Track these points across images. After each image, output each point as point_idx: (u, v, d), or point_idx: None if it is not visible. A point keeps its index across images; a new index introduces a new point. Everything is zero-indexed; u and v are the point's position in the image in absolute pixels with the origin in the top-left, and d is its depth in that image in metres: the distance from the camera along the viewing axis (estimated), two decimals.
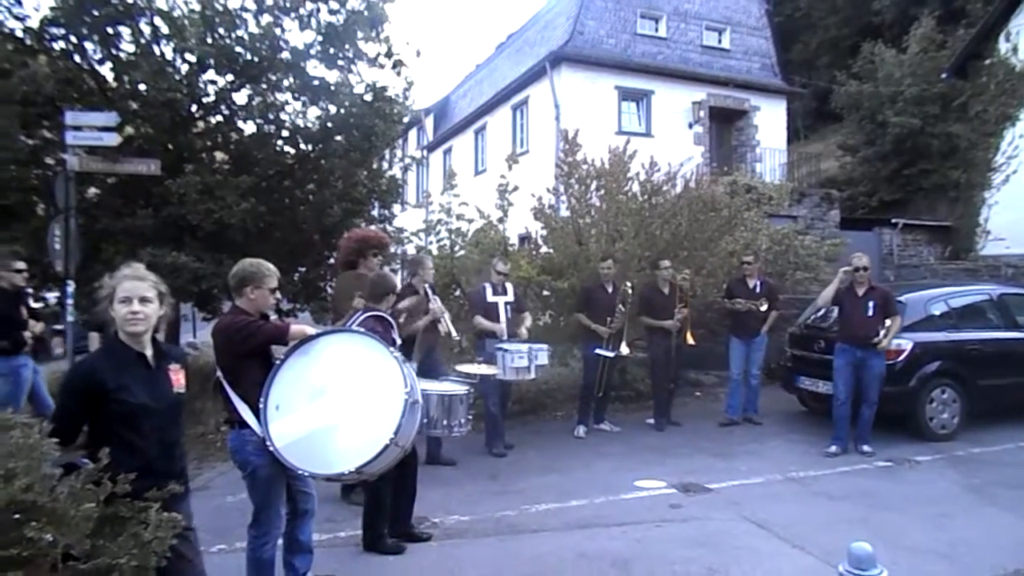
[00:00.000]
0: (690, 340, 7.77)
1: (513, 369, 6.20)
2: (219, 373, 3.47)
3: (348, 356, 3.46)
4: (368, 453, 3.21)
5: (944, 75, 18.53)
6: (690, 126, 18.01)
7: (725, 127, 19.41)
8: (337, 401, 3.31)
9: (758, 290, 8.01)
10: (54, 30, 7.92)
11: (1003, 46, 16.88)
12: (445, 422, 4.54)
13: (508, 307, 6.88)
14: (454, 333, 5.95)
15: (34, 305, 7.11)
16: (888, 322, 6.65)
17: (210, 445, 6.88)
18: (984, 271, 14.61)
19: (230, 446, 3.52)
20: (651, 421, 8.03)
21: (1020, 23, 16.57)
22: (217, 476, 6.13)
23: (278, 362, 3.42)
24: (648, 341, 8.03)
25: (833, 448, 6.75)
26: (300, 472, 3.32)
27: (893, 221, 17.65)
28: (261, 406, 3.30)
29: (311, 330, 3.51)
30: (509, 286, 7.03)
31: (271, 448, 3.25)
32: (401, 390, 3.29)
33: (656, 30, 18.59)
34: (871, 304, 6.67)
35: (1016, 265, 14.40)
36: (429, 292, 5.87)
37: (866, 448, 6.73)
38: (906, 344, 7.13)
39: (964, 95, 17.83)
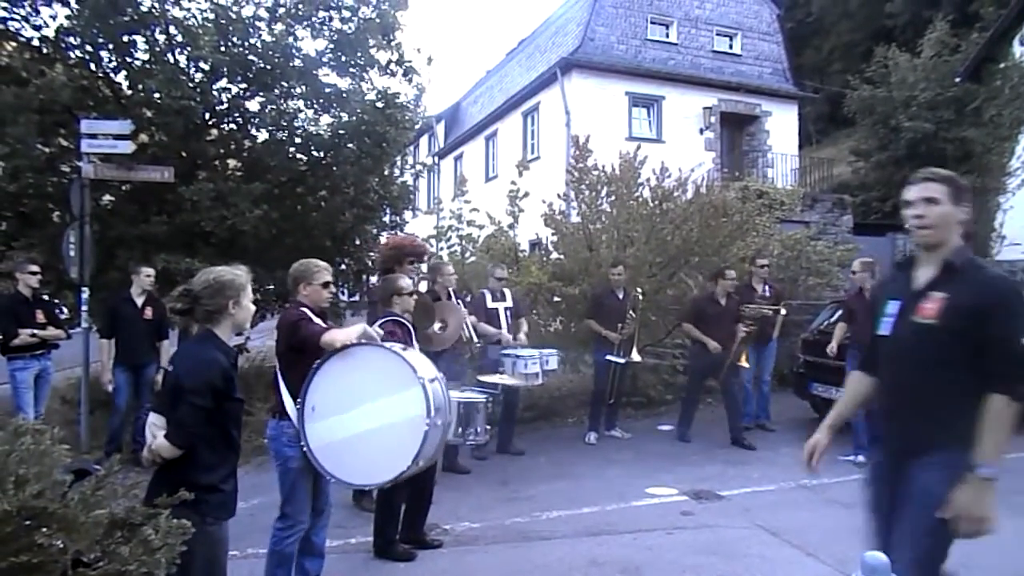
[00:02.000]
0: (744, 363, 7.49)
1: (523, 375, 6.22)
2: (276, 363, 3.62)
3: (378, 374, 3.50)
4: (388, 474, 3.38)
5: (958, 79, 18.39)
6: (701, 131, 17.98)
7: (736, 132, 19.35)
8: (366, 417, 3.39)
9: (767, 295, 7.96)
10: (70, 39, 8.03)
11: (1017, 50, 16.73)
12: (461, 430, 4.53)
13: (508, 312, 6.90)
14: (476, 339, 6.00)
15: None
16: None
17: None
18: None
19: (269, 434, 3.61)
20: (665, 427, 7.99)
21: None
22: None
23: (316, 365, 3.45)
24: (693, 351, 7.78)
25: (861, 457, 6.45)
26: (329, 478, 3.45)
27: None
28: (298, 406, 3.40)
29: (344, 340, 3.45)
30: (507, 292, 7.05)
31: (304, 449, 3.38)
32: (423, 418, 3.35)
33: (667, 36, 18.59)
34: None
35: None
36: (453, 297, 5.94)
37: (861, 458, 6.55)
38: None
39: (978, 99, 17.67)
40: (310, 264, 3.71)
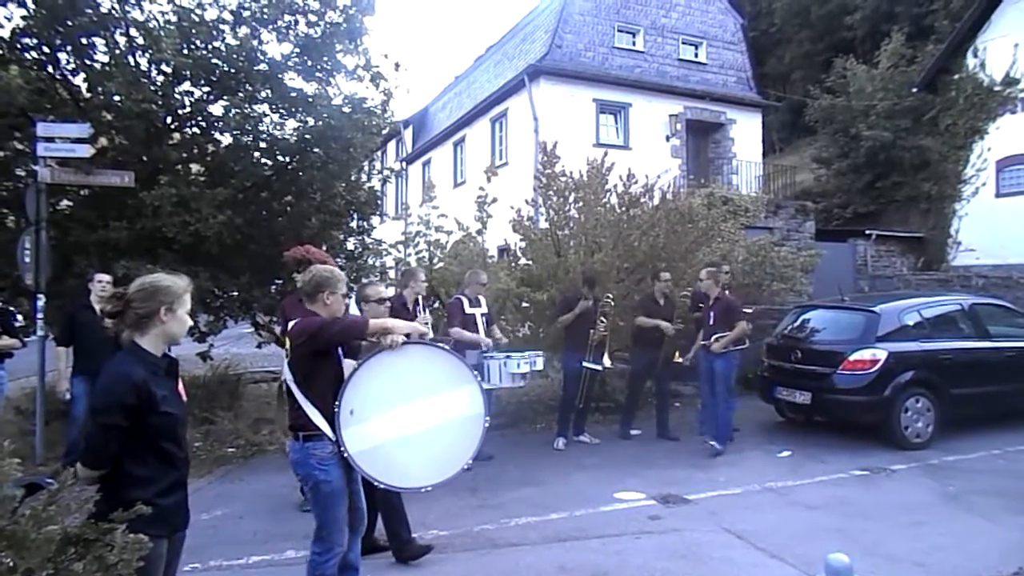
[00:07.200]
0: (677, 357, 7.93)
1: (509, 375, 6.26)
2: (288, 378, 3.40)
3: (427, 373, 3.45)
4: (445, 473, 3.39)
5: (914, 89, 18.92)
6: (667, 139, 18.17)
7: (702, 140, 19.61)
8: (415, 418, 3.35)
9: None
10: (26, 40, 7.81)
11: (971, 61, 17.30)
12: None
13: (484, 318, 6.88)
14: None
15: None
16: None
17: None
18: (955, 281, 14.87)
19: (292, 458, 3.41)
20: (633, 432, 8.03)
21: (987, 39, 17.00)
22: (191, 493, 6.01)
23: (355, 366, 3.39)
24: (635, 354, 8.09)
25: (713, 442, 7.30)
26: (378, 484, 3.40)
27: (867, 232, 17.92)
28: (336, 410, 3.29)
29: (395, 325, 3.35)
30: (482, 298, 7.03)
31: (345, 454, 3.28)
32: (481, 417, 3.37)
33: (633, 44, 18.77)
34: (712, 313, 7.39)
35: (986, 275, 14.66)
36: (420, 304, 5.88)
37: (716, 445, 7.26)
38: (881, 354, 7.23)
39: (934, 109, 18.22)
40: (336, 272, 3.50)
